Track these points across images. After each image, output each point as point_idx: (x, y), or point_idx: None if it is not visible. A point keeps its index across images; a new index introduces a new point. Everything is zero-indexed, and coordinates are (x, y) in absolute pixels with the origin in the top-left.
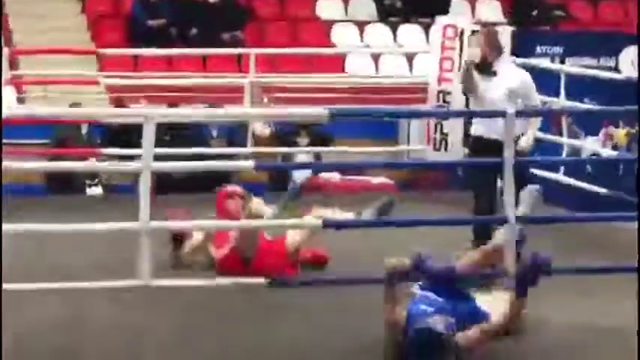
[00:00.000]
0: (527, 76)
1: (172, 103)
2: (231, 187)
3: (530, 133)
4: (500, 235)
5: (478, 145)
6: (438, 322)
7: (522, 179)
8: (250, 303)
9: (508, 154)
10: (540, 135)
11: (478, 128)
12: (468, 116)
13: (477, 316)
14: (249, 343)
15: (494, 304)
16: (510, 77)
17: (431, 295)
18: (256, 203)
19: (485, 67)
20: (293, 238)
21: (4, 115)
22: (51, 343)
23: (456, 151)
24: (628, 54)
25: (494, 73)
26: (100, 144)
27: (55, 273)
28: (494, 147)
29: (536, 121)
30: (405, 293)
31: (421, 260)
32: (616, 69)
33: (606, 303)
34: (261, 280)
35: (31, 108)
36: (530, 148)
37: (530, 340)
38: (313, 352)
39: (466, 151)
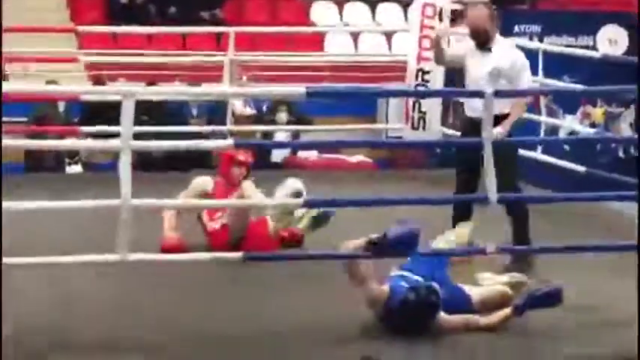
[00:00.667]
0: (519, 58)
1: (152, 82)
2: (242, 155)
3: (507, 121)
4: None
5: (465, 126)
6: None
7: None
8: (228, 278)
9: (486, 135)
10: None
11: (465, 108)
12: (446, 95)
13: (459, 298)
14: (226, 318)
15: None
16: (501, 57)
17: (410, 274)
18: (249, 185)
19: (483, 41)
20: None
21: None
22: (30, 316)
23: (434, 130)
24: (605, 32)
25: (489, 50)
26: (78, 122)
27: (33, 249)
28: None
29: (519, 106)
30: (370, 270)
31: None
32: (594, 47)
33: (586, 282)
34: (238, 254)
35: (8, 85)
36: (502, 136)
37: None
38: (291, 326)
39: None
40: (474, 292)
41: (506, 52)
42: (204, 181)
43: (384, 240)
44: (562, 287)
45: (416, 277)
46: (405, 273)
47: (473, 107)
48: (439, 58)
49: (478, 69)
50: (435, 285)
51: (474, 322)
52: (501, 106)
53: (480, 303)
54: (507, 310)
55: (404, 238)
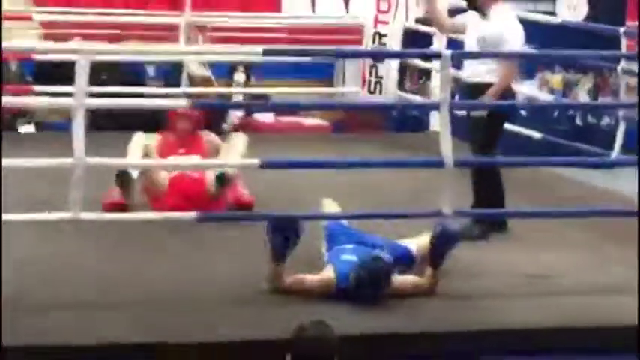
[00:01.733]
0: (507, 28)
1: (108, 41)
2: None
3: (492, 89)
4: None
5: (464, 90)
6: (382, 254)
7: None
8: (179, 238)
9: (442, 97)
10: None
11: (463, 73)
12: (402, 57)
13: (403, 255)
14: (176, 278)
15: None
16: (492, 25)
17: (346, 246)
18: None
19: (475, 7)
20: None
21: None
22: None
23: (391, 94)
24: None
25: (485, 16)
26: (31, 81)
27: None
28: (477, 90)
29: (505, 75)
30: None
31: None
32: (553, 13)
33: (532, 249)
34: (191, 214)
35: None
36: (484, 112)
37: (459, 285)
38: (241, 288)
39: None
40: (412, 245)
41: (499, 20)
42: (144, 137)
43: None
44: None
45: (351, 246)
46: (346, 245)
47: (469, 72)
48: (439, 25)
49: (471, 35)
50: (378, 251)
51: (421, 284)
52: (490, 74)
53: (418, 255)
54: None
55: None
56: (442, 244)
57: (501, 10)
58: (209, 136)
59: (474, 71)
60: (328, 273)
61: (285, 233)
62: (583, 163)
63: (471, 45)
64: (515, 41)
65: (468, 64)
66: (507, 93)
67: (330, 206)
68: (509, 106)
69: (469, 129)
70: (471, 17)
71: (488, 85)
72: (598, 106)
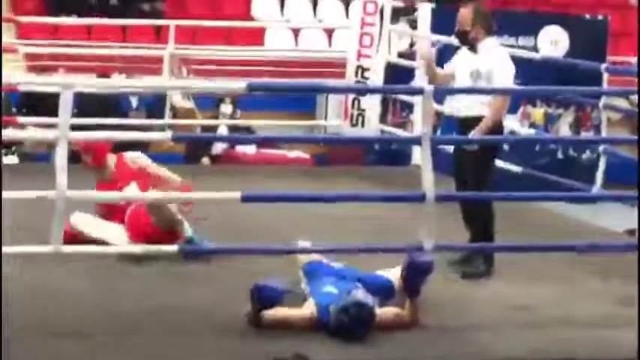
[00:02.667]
0: (498, 61)
1: (100, 75)
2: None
3: (482, 125)
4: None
5: (455, 123)
6: (362, 296)
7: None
8: (161, 270)
9: (424, 131)
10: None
11: (447, 108)
12: (385, 92)
13: (385, 288)
14: (158, 309)
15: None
16: (483, 59)
17: (326, 279)
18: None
19: (466, 42)
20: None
21: None
22: None
23: (373, 127)
24: (547, 33)
25: (475, 51)
26: (15, 112)
27: None
28: (468, 123)
29: (495, 109)
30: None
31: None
32: (535, 48)
33: (516, 283)
34: (172, 247)
35: None
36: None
37: (442, 317)
38: (222, 317)
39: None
40: (392, 277)
41: (490, 54)
42: None
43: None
44: (432, 260)
45: (331, 280)
46: (326, 279)
47: (453, 107)
48: (431, 78)
49: (462, 70)
50: (360, 293)
51: (402, 315)
52: (482, 106)
53: (399, 286)
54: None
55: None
56: (413, 275)
57: (491, 44)
58: (133, 157)
59: (466, 104)
60: (309, 307)
61: (267, 301)
62: (567, 197)
63: (463, 79)
64: (508, 75)
65: (456, 97)
66: (497, 127)
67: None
68: (497, 141)
69: (458, 164)
70: (459, 55)
71: (479, 119)
72: (581, 140)
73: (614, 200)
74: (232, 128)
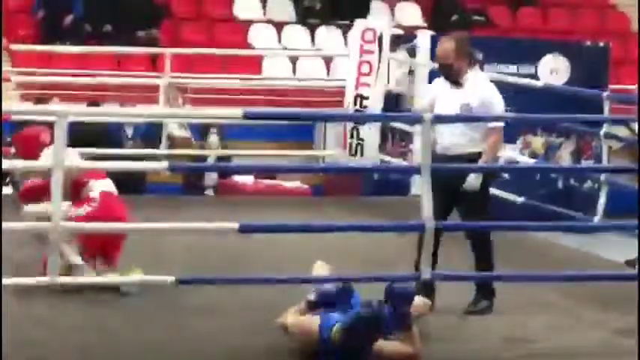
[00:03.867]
0: (488, 94)
1: (90, 103)
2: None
3: (484, 160)
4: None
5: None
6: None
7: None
8: (157, 301)
9: (423, 161)
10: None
11: (437, 146)
12: (384, 120)
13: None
14: (156, 342)
15: None
16: (472, 93)
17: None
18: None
19: (450, 76)
20: None
21: None
22: None
23: (372, 157)
24: (548, 62)
25: (460, 85)
26: (8, 143)
27: None
28: (459, 162)
29: (493, 145)
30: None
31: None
32: (535, 76)
33: (513, 313)
34: (170, 278)
35: None
36: (478, 184)
37: (439, 349)
38: (214, 349)
39: None
40: None
41: (477, 87)
42: None
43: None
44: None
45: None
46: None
47: (444, 145)
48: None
49: (448, 105)
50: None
51: (405, 350)
52: (473, 143)
53: None
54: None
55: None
56: (395, 304)
57: (477, 76)
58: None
59: (454, 142)
60: (315, 321)
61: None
62: (567, 227)
63: (450, 112)
64: (500, 107)
65: (445, 135)
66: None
67: (321, 268)
68: (495, 170)
69: (446, 199)
70: (439, 87)
71: (473, 155)
72: (582, 169)
73: (614, 230)
74: (222, 158)
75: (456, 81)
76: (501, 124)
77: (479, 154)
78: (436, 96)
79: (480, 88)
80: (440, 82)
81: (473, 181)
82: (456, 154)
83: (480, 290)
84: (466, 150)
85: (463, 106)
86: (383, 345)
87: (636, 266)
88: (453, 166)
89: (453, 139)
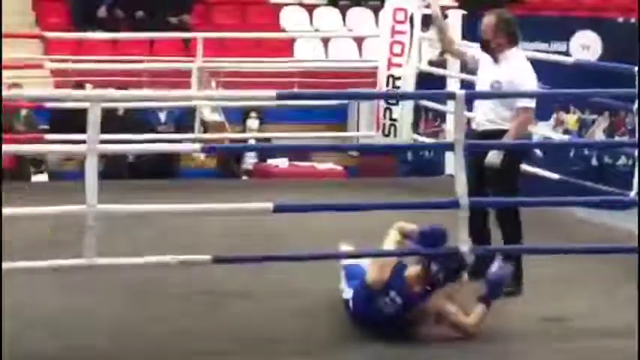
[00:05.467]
0: (520, 74)
1: (119, 88)
2: None
3: (505, 139)
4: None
5: (474, 138)
6: None
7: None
8: (192, 283)
9: (456, 138)
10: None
11: (472, 122)
12: (417, 98)
13: None
14: (192, 323)
15: None
16: (505, 70)
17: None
18: None
19: (488, 51)
20: None
21: None
22: None
23: (406, 137)
24: (579, 38)
25: (497, 61)
26: (44, 129)
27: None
28: (489, 138)
29: (519, 123)
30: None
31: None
32: (567, 53)
33: (548, 293)
34: (207, 256)
35: None
36: (498, 161)
37: None
38: (259, 334)
39: None
40: None
41: (511, 66)
42: None
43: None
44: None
45: None
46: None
47: (476, 121)
48: (444, 45)
49: (484, 79)
50: None
51: (466, 322)
52: (503, 120)
53: None
54: (482, 307)
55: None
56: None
57: (515, 54)
58: None
59: (484, 119)
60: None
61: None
62: (603, 203)
63: (484, 87)
64: (531, 86)
65: (478, 110)
66: (522, 136)
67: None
68: (523, 149)
69: (476, 177)
70: (483, 57)
71: (500, 132)
72: (614, 144)
73: None
74: (260, 142)
75: (494, 57)
76: (531, 104)
77: (502, 130)
78: (480, 64)
79: (514, 67)
80: (486, 57)
81: (492, 157)
82: (485, 129)
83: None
84: (494, 127)
85: (493, 83)
86: (447, 307)
87: None
88: (486, 142)
89: (483, 115)
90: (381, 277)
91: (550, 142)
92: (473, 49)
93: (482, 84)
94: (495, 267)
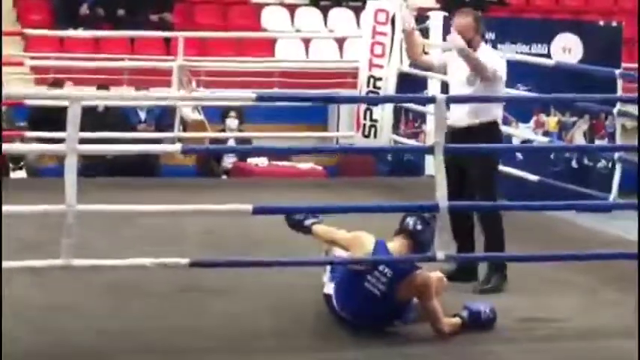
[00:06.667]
0: (495, 66)
1: (100, 86)
2: None
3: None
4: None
5: (449, 136)
6: None
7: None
8: (171, 282)
9: (437, 140)
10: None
11: (449, 119)
12: (397, 101)
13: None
14: (174, 321)
15: None
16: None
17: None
18: None
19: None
20: None
21: None
22: None
23: (386, 138)
24: (560, 41)
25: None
26: (23, 127)
27: None
28: (460, 135)
29: (483, 66)
30: None
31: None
32: (548, 56)
33: (530, 294)
34: (185, 260)
35: None
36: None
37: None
38: (237, 332)
39: None
40: None
41: (486, 56)
42: None
43: None
44: (495, 314)
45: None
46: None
47: (453, 118)
48: (410, 54)
49: (458, 74)
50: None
51: (440, 318)
52: (473, 116)
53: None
54: (457, 320)
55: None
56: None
57: (485, 48)
58: None
59: (457, 115)
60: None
61: None
62: (583, 206)
63: (459, 87)
64: (503, 78)
65: (451, 108)
66: (496, 136)
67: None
68: (507, 149)
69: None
70: (449, 56)
71: (478, 127)
72: (595, 148)
73: (633, 209)
74: (241, 141)
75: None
76: (501, 75)
77: (479, 126)
78: (447, 62)
79: (489, 59)
80: (453, 52)
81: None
82: (458, 126)
83: (491, 268)
84: (465, 122)
85: (469, 77)
86: (432, 279)
87: None
88: (465, 146)
89: (455, 111)
90: (365, 250)
91: (532, 146)
92: (437, 55)
93: (456, 81)
94: (483, 309)
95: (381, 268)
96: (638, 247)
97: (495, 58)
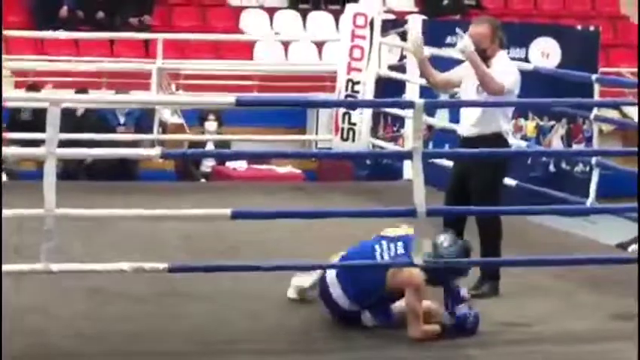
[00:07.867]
0: (504, 77)
1: (80, 89)
2: None
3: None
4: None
5: (461, 146)
6: None
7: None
8: (150, 286)
9: (415, 145)
10: (453, 126)
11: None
12: (375, 106)
13: None
14: (151, 325)
15: None
16: (491, 72)
17: None
18: None
19: (483, 60)
20: None
21: None
22: None
23: (364, 142)
24: (538, 45)
25: (488, 67)
26: (4, 129)
27: None
28: (466, 145)
29: (492, 79)
30: None
31: None
32: (526, 60)
33: (506, 298)
34: (164, 265)
35: None
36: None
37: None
38: (215, 336)
39: None
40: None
41: (498, 68)
42: None
43: None
44: (478, 319)
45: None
46: None
47: (461, 128)
48: (429, 81)
49: (469, 86)
50: None
51: (416, 321)
52: (477, 127)
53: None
54: (436, 327)
55: None
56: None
57: (502, 57)
58: None
59: (466, 124)
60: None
61: None
62: (561, 211)
63: (469, 92)
64: (510, 79)
65: (462, 117)
66: (502, 143)
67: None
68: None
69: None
70: (464, 70)
71: (485, 137)
72: (573, 152)
73: (608, 213)
74: (219, 145)
75: (486, 63)
76: (513, 89)
77: (482, 136)
78: (463, 76)
79: (501, 69)
80: (467, 64)
81: (462, 44)
82: (467, 136)
83: (483, 274)
84: (470, 132)
85: (479, 87)
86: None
87: (629, 249)
88: (446, 151)
89: (465, 121)
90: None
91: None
92: (456, 71)
93: (469, 91)
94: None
95: (399, 244)
96: (638, 247)
97: (509, 70)
